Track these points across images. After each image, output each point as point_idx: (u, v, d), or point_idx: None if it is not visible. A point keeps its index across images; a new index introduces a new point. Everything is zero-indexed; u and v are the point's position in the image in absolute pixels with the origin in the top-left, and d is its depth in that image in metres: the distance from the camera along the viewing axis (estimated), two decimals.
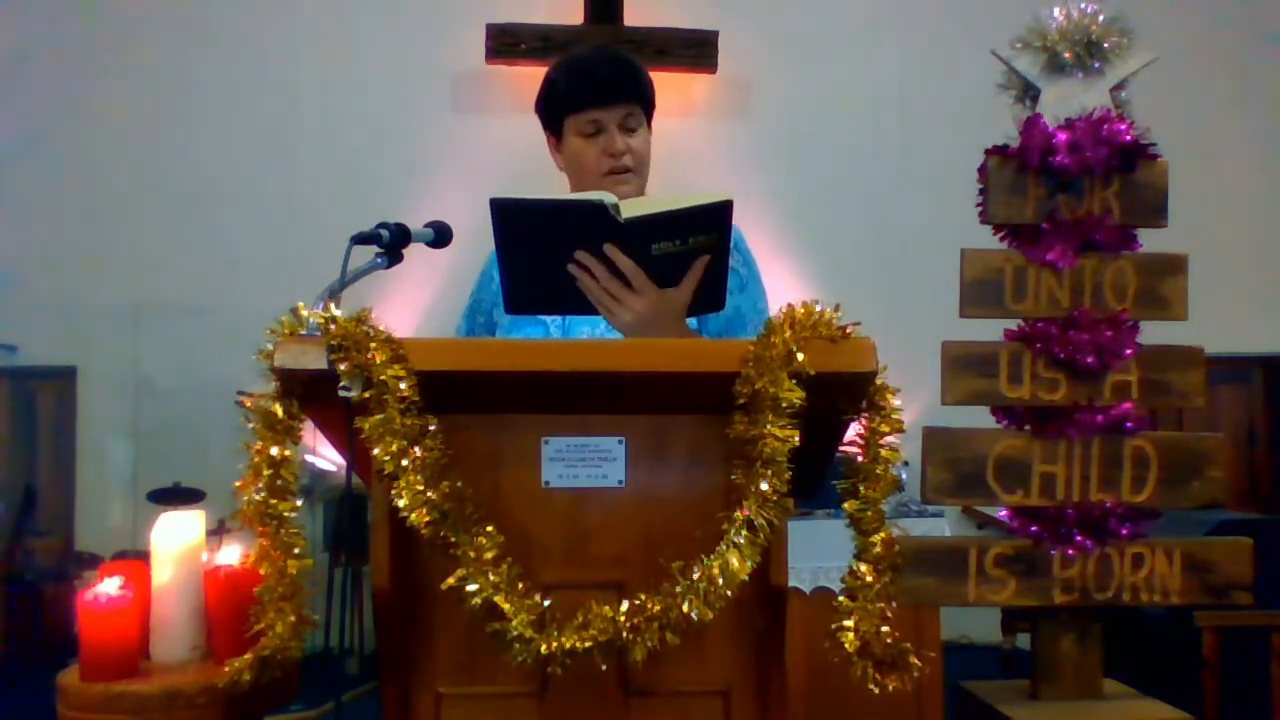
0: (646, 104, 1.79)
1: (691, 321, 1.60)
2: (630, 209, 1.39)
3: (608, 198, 1.40)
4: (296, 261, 3.76)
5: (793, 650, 1.35)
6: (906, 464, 1.46)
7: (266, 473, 1.18)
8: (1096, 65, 1.98)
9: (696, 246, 1.43)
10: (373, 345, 1.15)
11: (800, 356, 1.16)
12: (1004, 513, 2.01)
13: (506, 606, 1.13)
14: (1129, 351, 1.94)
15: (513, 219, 1.41)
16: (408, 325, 5.19)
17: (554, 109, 1.78)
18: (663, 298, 1.45)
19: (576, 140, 1.76)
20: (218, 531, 1.82)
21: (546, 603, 1.15)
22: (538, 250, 1.44)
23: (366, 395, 1.14)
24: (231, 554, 1.45)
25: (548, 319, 1.77)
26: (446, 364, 1.19)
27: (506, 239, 1.42)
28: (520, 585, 1.15)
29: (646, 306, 1.45)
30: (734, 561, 1.13)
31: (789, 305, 1.20)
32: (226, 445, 1.37)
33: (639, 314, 1.45)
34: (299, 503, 1.21)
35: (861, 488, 1.22)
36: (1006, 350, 1.96)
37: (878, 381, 1.22)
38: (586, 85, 1.74)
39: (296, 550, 1.20)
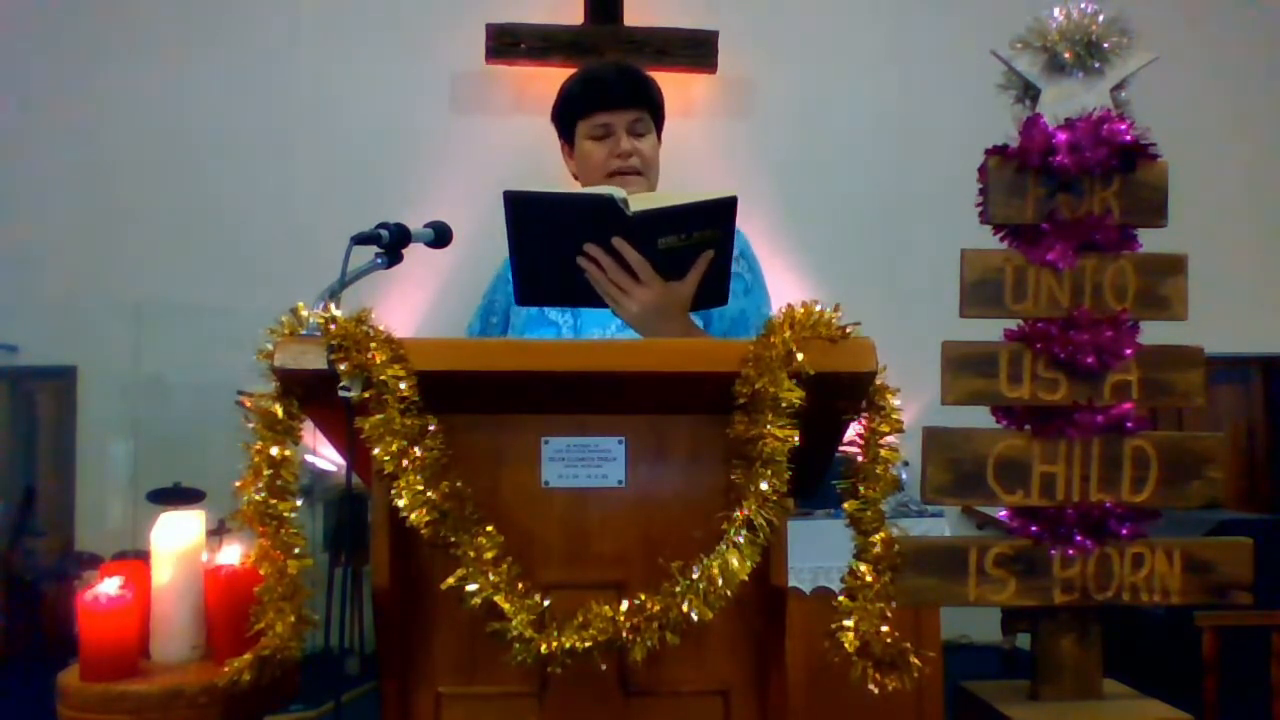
0: (656, 111, 1.84)
1: (696, 318, 1.62)
2: (638, 203, 1.43)
3: (617, 192, 1.43)
4: (296, 261, 3.76)
5: (793, 650, 1.35)
6: (906, 464, 1.46)
7: (266, 473, 1.18)
8: (1096, 65, 1.98)
9: (701, 241, 1.46)
10: (373, 345, 1.15)
11: (800, 356, 1.16)
12: (1004, 513, 2.01)
13: (506, 606, 1.13)
14: (1129, 351, 1.94)
15: (525, 211, 1.44)
16: (408, 325, 5.20)
17: (566, 115, 1.84)
18: (668, 290, 1.49)
19: (586, 143, 1.81)
20: (218, 531, 1.82)
21: (546, 603, 1.15)
22: (548, 242, 1.47)
23: (366, 395, 1.14)
24: (231, 554, 1.45)
25: (559, 321, 1.81)
26: (446, 364, 1.19)
27: (518, 231, 1.45)
28: (520, 585, 1.15)
29: (652, 298, 1.48)
30: (734, 561, 1.13)
31: (789, 305, 1.21)
32: (226, 445, 1.37)
33: (645, 305, 1.49)
34: (299, 503, 1.21)
35: (861, 488, 1.22)
36: (1006, 350, 1.96)
37: (878, 381, 1.22)
38: (596, 90, 1.81)
39: (296, 550, 1.20)
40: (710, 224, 1.44)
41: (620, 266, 1.47)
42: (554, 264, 1.49)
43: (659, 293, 1.48)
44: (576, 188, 1.85)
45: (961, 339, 1.96)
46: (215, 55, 5.74)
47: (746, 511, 1.14)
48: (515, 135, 5.22)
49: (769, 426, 1.14)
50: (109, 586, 1.39)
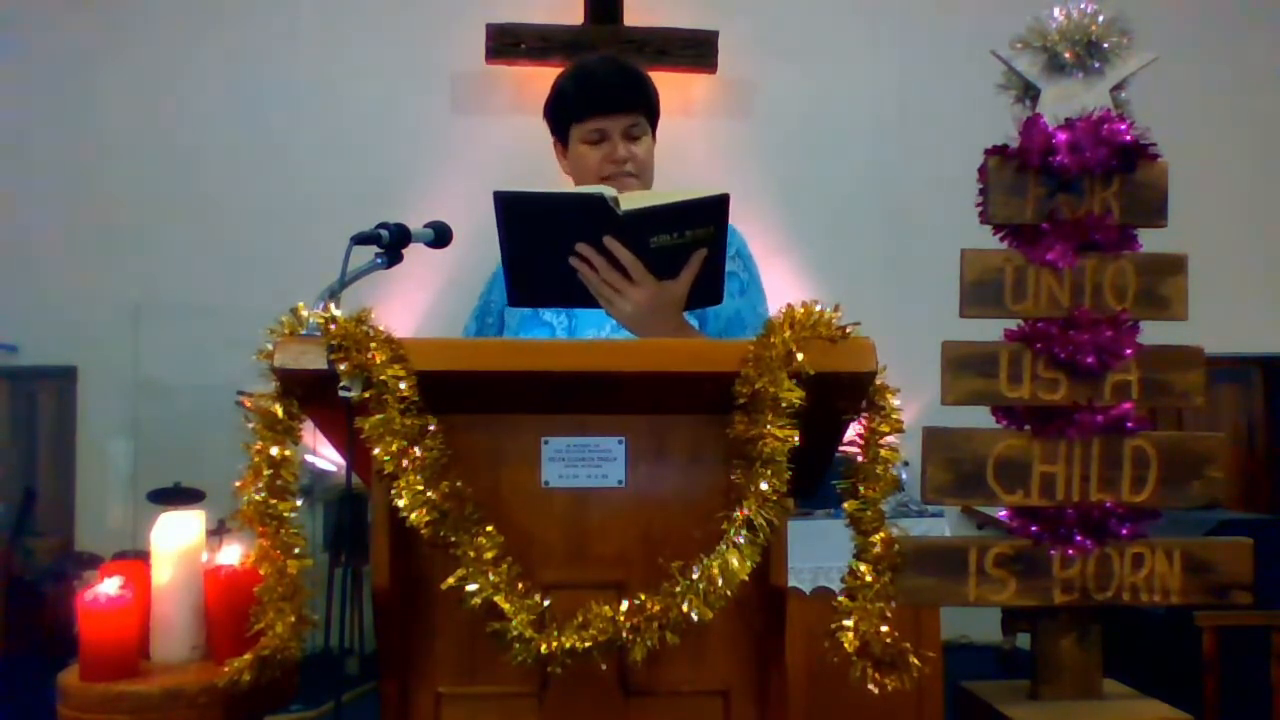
0: (651, 113, 1.82)
1: (691, 318, 1.61)
2: (629, 202, 1.42)
3: (608, 191, 1.43)
4: (296, 261, 3.76)
5: (793, 650, 1.35)
6: (906, 464, 1.46)
7: (266, 473, 1.18)
8: (1096, 65, 1.98)
9: (694, 240, 1.46)
10: (373, 345, 1.15)
11: (800, 356, 1.16)
12: (1004, 513, 2.01)
13: (506, 606, 1.13)
14: (1129, 351, 1.95)
15: (516, 211, 1.43)
16: (408, 325, 5.19)
17: (560, 116, 1.81)
18: (661, 289, 1.48)
19: (581, 147, 1.79)
20: (218, 531, 1.82)
21: (546, 603, 1.15)
22: (540, 242, 1.47)
23: (366, 395, 1.14)
24: (231, 554, 1.45)
25: (554, 321, 1.80)
26: (446, 364, 1.19)
27: (509, 231, 1.45)
28: (520, 585, 1.15)
29: (645, 297, 1.47)
30: (734, 561, 1.13)
31: (788, 305, 1.21)
32: (226, 445, 1.37)
33: (638, 304, 1.48)
34: (299, 503, 1.21)
35: (861, 488, 1.22)
36: (1006, 350, 1.96)
37: (878, 381, 1.22)
38: (592, 94, 1.78)
39: (296, 550, 1.20)
40: (702, 222, 1.44)
41: (612, 266, 1.46)
42: (546, 264, 1.48)
43: (652, 292, 1.47)
44: (570, 186, 1.85)
45: (961, 339, 1.97)
46: (214, 53, 5.74)
47: (746, 511, 1.14)
48: (515, 135, 5.20)
49: (769, 426, 1.14)
50: (109, 586, 1.39)
